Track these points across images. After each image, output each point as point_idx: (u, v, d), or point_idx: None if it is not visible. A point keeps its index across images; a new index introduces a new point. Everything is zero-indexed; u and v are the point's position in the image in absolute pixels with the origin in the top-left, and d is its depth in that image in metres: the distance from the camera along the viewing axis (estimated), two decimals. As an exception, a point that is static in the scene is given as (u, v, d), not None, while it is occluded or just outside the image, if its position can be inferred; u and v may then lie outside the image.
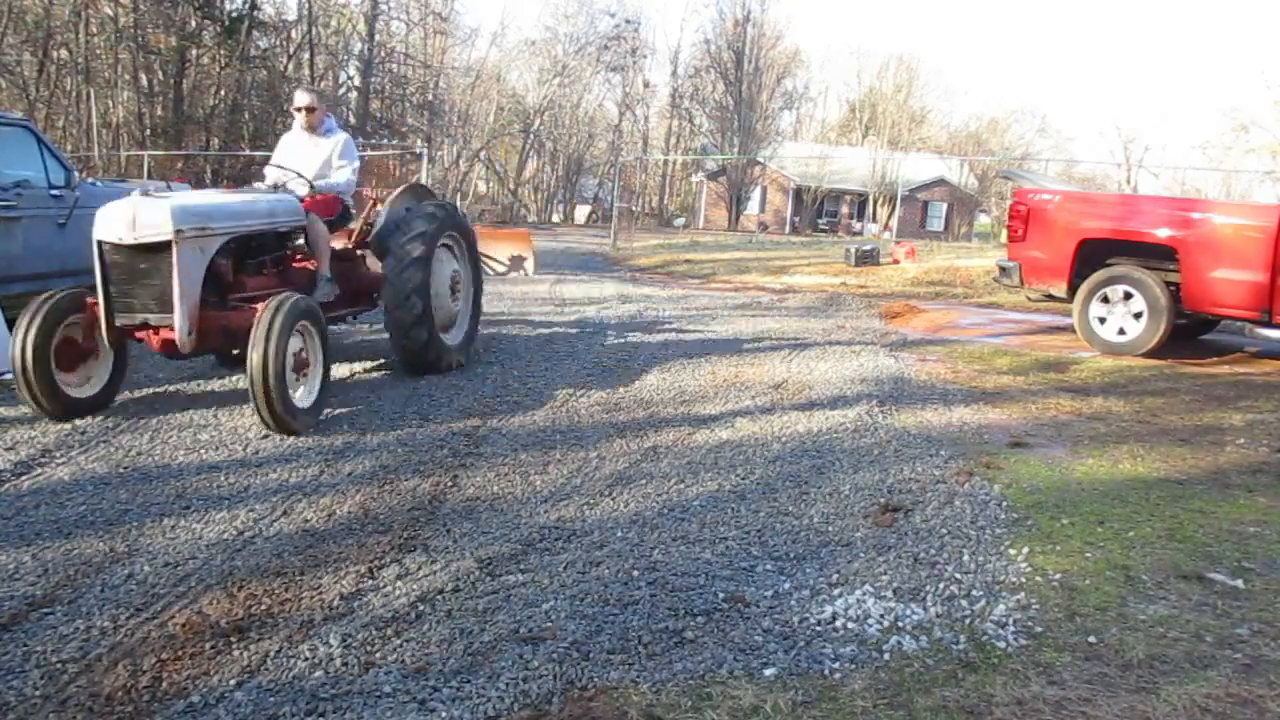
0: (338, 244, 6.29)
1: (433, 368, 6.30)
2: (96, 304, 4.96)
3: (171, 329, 4.88)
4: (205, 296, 5.02)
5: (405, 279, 5.96)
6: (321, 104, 6.33)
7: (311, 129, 6.23)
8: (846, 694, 2.55)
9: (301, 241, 6.07)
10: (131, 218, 4.81)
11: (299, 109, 6.23)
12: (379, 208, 6.52)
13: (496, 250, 13.33)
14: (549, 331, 8.27)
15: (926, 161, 45.57)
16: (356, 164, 6.36)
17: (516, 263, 13.87)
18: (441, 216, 6.38)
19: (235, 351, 5.55)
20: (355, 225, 6.51)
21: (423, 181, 23.91)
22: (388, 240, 6.15)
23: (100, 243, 4.89)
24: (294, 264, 6.06)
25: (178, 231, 4.78)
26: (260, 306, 4.87)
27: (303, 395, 5.00)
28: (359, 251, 6.55)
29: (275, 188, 5.93)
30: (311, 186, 5.99)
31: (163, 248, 4.80)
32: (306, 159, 6.15)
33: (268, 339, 4.64)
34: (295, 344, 4.91)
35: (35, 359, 4.80)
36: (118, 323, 4.96)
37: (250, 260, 5.57)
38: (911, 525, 3.85)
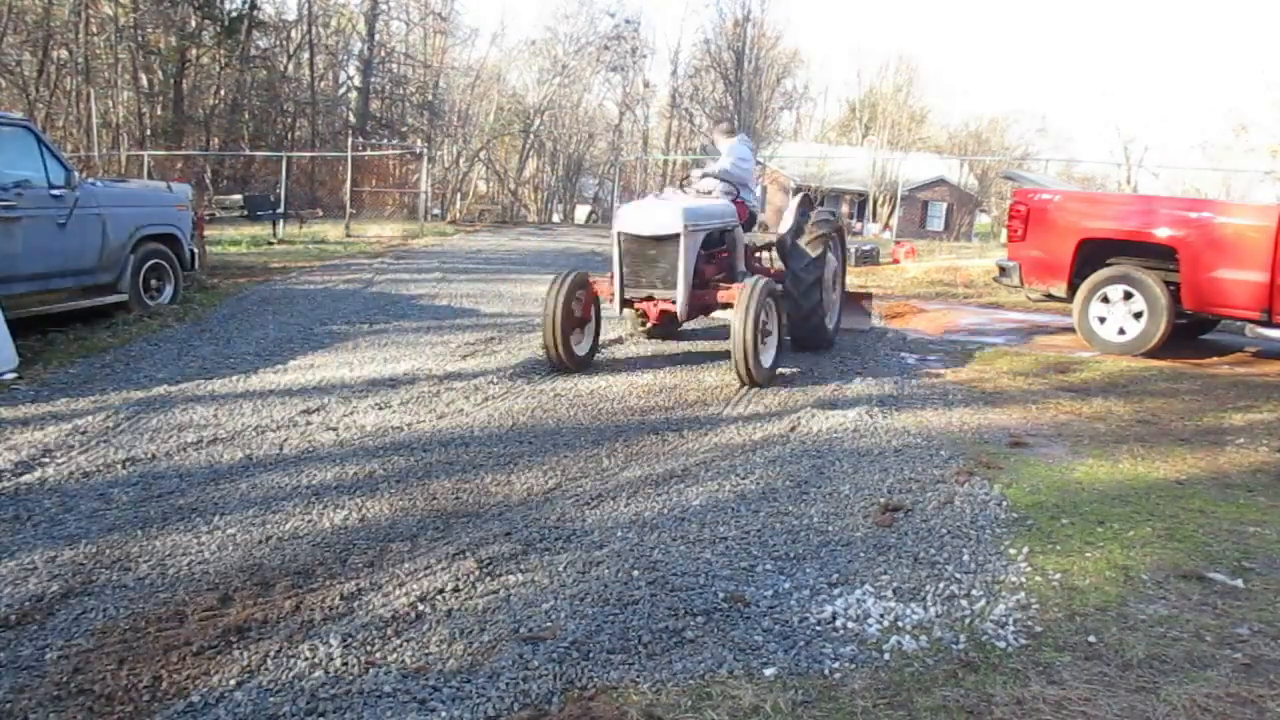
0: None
1: (818, 346, 7.59)
2: (597, 283, 6.78)
3: (671, 302, 6.43)
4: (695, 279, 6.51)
5: (808, 272, 7.16)
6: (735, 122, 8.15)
7: (729, 135, 7.76)
8: (846, 694, 2.55)
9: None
10: (650, 216, 6.39)
11: (721, 126, 8.04)
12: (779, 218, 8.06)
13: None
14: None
15: (926, 161, 45.54)
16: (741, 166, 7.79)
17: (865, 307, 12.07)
18: (830, 221, 7.48)
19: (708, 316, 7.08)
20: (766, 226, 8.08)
21: (423, 181, 23.97)
22: (793, 240, 7.33)
23: (620, 234, 6.49)
24: (722, 256, 7.25)
25: (685, 226, 6.28)
26: (738, 286, 6.33)
27: (765, 357, 6.33)
28: (758, 251, 8.00)
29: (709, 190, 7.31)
30: (736, 193, 7.33)
31: (672, 239, 6.30)
32: (723, 170, 7.52)
33: (747, 311, 5.99)
34: (763, 316, 6.19)
35: (563, 326, 6.39)
36: (627, 295, 6.55)
37: (703, 251, 6.76)
38: (911, 525, 3.85)
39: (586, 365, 6.72)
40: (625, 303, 6.66)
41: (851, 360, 7.38)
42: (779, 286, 6.78)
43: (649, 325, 7.66)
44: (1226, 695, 2.59)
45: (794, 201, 7.95)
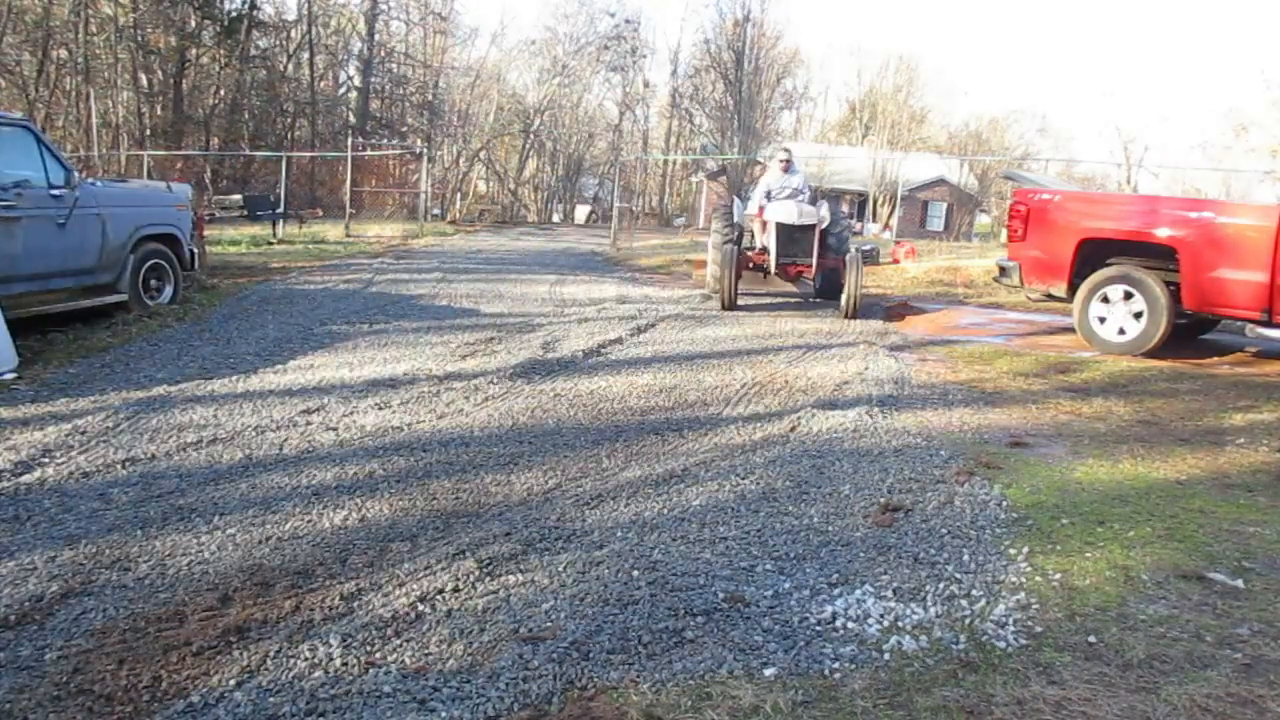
0: None
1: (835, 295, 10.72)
2: (761, 254, 10.58)
3: (809, 267, 10.43)
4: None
5: (845, 251, 10.55)
6: (794, 158, 11.44)
7: (785, 170, 10.96)
8: (846, 694, 2.55)
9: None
10: (799, 212, 10.19)
11: (783, 160, 11.09)
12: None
13: None
14: (548, 334, 8.27)
15: (926, 161, 45.52)
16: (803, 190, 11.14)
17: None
18: (846, 214, 10.72)
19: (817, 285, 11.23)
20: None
21: (423, 181, 23.97)
22: (832, 230, 10.69)
23: (779, 224, 10.21)
24: (825, 239, 10.75)
25: (820, 219, 10.31)
26: (845, 259, 10.18)
27: (847, 308, 9.90)
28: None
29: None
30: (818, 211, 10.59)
31: (811, 228, 10.26)
32: (789, 188, 10.80)
33: (855, 273, 9.86)
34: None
35: (731, 282, 10.14)
36: (782, 262, 10.35)
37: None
38: (911, 525, 3.85)
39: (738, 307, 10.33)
40: (781, 267, 10.37)
41: (851, 361, 7.38)
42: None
43: (780, 279, 10.97)
44: (1226, 695, 2.58)
45: (825, 204, 10.89)
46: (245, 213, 19.04)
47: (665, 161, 46.84)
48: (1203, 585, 3.32)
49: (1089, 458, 4.97)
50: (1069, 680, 2.65)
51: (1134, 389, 6.77)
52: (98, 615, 2.85)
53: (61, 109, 22.81)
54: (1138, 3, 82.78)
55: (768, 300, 11.37)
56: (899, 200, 29.98)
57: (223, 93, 27.66)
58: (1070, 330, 8.77)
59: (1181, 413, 6.10)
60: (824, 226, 10.68)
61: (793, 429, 5.32)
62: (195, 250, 9.14)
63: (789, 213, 10.13)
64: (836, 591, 3.19)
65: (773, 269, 10.35)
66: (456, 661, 2.65)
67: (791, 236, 10.21)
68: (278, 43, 30.66)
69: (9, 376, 5.75)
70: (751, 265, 10.57)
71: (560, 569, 3.30)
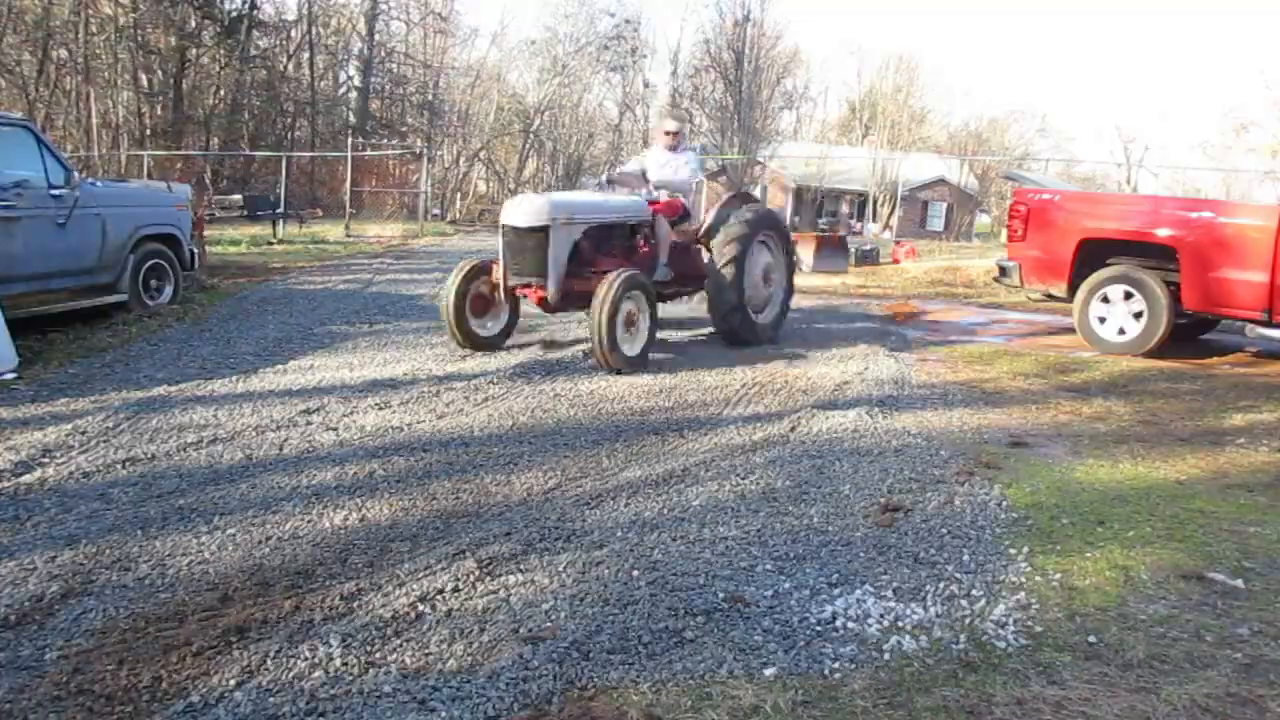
0: (676, 238, 7.91)
1: (746, 342, 7.69)
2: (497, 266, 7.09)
3: (545, 289, 6.80)
4: (571, 269, 6.88)
5: (722, 276, 7.43)
6: (684, 130, 8.28)
7: (672, 149, 8.11)
8: (846, 694, 2.55)
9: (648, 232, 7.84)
10: (523, 208, 6.82)
11: (667, 132, 8.24)
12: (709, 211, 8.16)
13: None
14: (547, 334, 8.26)
15: (926, 161, 45.54)
16: (700, 177, 8.34)
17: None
18: (755, 220, 7.71)
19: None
20: (698, 224, 8.12)
21: (423, 181, 23.96)
22: (714, 238, 7.68)
23: (503, 226, 6.91)
24: (641, 250, 7.73)
25: (553, 219, 6.72)
26: (607, 276, 6.58)
27: (629, 346, 6.66)
28: (696, 245, 8.11)
29: (610, 184, 8.21)
30: (650, 191, 7.92)
31: (543, 233, 6.71)
32: (668, 170, 8.01)
33: (605, 299, 6.37)
34: (628, 306, 6.60)
35: (456, 307, 6.96)
36: (510, 283, 7.00)
37: (605, 244, 7.32)
38: (911, 525, 3.85)
39: (496, 347, 7.25)
40: (511, 289, 7.08)
41: (851, 361, 7.38)
42: (651, 280, 7.18)
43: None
44: (1226, 695, 2.59)
45: (725, 197, 8.30)
46: (245, 213, 19.05)
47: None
48: (1203, 585, 3.32)
49: (1089, 458, 4.97)
50: (1069, 680, 2.65)
51: (1134, 389, 6.77)
52: (98, 615, 2.85)
53: (61, 109, 22.80)
54: (1138, 3, 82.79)
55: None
56: (899, 200, 29.99)
57: (223, 93, 27.65)
58: (1070, 330, 8.77)
59: (1181, 413, 6.10)
60: (702, 234, 7.90)
61: (793, 429, 5.31)
62: (195, 250, 9.14)
63: (510, 212, 6.89)
64: (836, 591, 3.19)
65: (502, 291, 7.14)
66: (456, 661, 2.65)
67: (518, 245, 6.85)
68: (278, 43, 30.65)
69: (9, 376, 5.75)
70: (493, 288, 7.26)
71: (560, 569, 3.29)
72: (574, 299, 6.91)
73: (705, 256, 8.05)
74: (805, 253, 15.20)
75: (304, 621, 2.86)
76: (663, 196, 7.89)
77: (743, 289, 7.53)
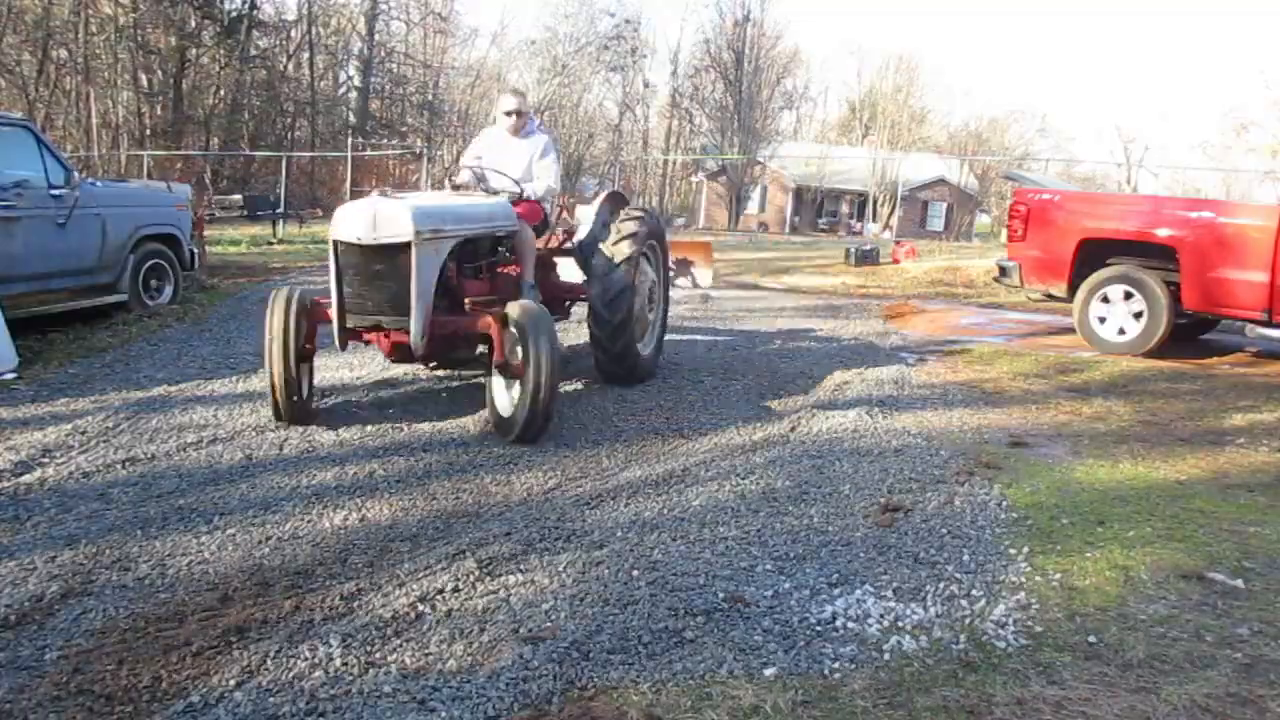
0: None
1: (629, 378, 6.17)
2: (326, 304, 4.87)
3: (405, 332, 4.73)
4: (439, 302, 4.88)
5: (615, 279, 5.79)
6: (527, 107, 6.22)
7: (516, 132, 6.09)
8: (846, 694, 2.55)
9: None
10: (372, 218, 4.63)
11: (507, 113, 6.08)
12: (567, 215, 6.52)
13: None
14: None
15: (926, 161, 45.54)
16: (558, 167, 6.24)
17: (683, 268, 11.50)
18: (648, 223, 6.18)
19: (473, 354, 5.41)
20: (555, 231, 6.42)
21: (423, 181, 23.95)
22: (595, 244, 6.03)
23: (337, 243, 4.72)
24: (500, 270, 5.76)
25: (417, 233, 4.61)
26: (498, 312, 4.86)
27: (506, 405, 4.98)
28: (555, 259, 6.49)
29: (479, 184, 5.82)
30: (521, 192, 5.86)
31: (401, 249, 4.63)
32: (511, 161, 6.00)
33: (547, 357, 4.61)
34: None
35: (288, 368, 4.76)
36: (350, 324, 4.84)
37: (468, 265, 5.35)
38: (911, 525, 3.85)
39: (309, 417, 5.05)
40: (350, 333, 4.91)
41: (852, 361, 7.38)
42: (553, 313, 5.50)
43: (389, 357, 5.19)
44: (1226, 695, 2.58)
45: (598, 201, 6.57)
46: (245, 213, 19.06)
47: (665, 161, 46.84)
48: (1203, 585, 3.32)
49: (1089, 458, 4.97)
50: (1069, 680, 2.65)
51: (1134, 389, 6.77)
52: (98, 615, 2.85)
53: (61, 109, 22.81)
54: (1138, 3, 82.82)
55: (763, 304, 11.34)
56: (899, 200, 29.98)
57: (223, 93, 27.66)
58: (1070, 330, 8.76)
59: (1181, 413, 6.10)
60: (580, 240, 6.26)
61: (793, 429, 5.31)
62: (195, 250, 9.14)
63: (351, 222, 4.69)
64: (836, 591, 3.19)
65: (336, 335, 4.89)
66: (456, 661, 2.65)
67: (363, 271, 4.76)
68: (278, 43, 30.66)
69: (9, 376, 5.75)
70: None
71: (560, 569, 3.29)
72: (443, 344, 5.04)
73: (567, 276, 6.53)
74: (702, 272, 12.22)
75: (304, 621, 2.86)
76: (536, 193, 6.02)
77: (633, 304, 5.91)
